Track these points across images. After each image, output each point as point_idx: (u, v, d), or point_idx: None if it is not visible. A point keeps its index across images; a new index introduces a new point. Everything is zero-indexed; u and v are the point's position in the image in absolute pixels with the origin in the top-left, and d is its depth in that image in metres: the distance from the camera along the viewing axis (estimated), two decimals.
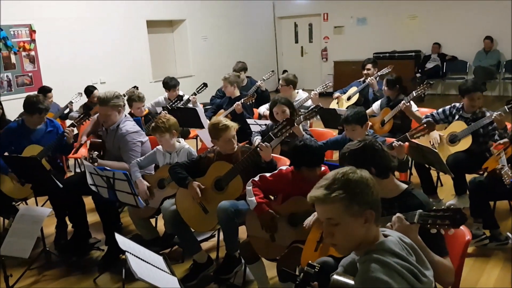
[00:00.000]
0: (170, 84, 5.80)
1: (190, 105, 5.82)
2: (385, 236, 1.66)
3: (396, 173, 3.63)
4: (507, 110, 3.76)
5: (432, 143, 4.16)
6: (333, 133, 4.36)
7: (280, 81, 5.37)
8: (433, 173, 4.43)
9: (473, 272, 3.28)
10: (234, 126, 3.24)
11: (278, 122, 3.43)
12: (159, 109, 5.46)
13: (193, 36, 10.37)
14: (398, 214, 1.91)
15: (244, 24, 11.67)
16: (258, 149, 3.11)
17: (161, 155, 3.68)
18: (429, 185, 4.31)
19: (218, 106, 5.80)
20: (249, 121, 4.81)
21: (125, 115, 3.97)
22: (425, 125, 3.30)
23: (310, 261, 1.73)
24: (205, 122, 5.23)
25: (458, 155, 3.95)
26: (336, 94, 6.15)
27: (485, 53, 9.77)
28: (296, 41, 13.00)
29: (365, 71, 5.89)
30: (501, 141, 3.62)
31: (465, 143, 3.99)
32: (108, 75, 8.52)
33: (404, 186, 2.17)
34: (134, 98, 4.90)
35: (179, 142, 3.67)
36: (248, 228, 2.95)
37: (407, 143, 3.45)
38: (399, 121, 4.80)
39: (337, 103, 6.09)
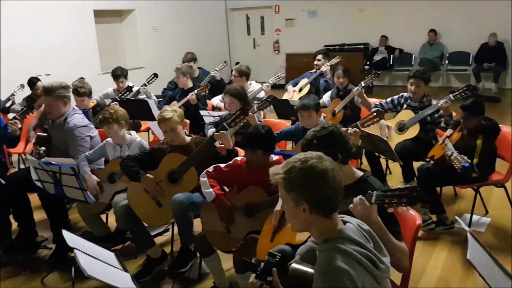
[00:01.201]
0: (117, 73, 5.61)
1: (142, 96, 5.68)
2: (344, 222, 1.68)
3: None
4: (452, 98, 3.92)
5: (381, 132, 4.28)
6: (286, 124, 4.38)
7: (233, 72, 5.34)
8: (382, 161, 4.56)
9: (423, 256, 3.40)
10: (175, 117, 3.12)
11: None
12: (108, 101, 5.27)
13: (143, 27, 10.11)
14: (360, 196, 1.91)
15: (195, 15, 11.50)
16: (212, 139, 3.07)
17: (111, 148, 3.55)
18: (379, 173, 4.43)
19: (171, 97, 5.68)
20: (202, 112, 4.75)
21: (73, 108, 3.79)
22: (374, 113, 3.39)
23: (271, 251, 1.72)
24: (157, 113, 5.11)
25: (406, 143, 4.08)
26: (289, 86, 6.19)
27: (429, 45, 10.16)
28: (249, 33, 12.97)
29: (316, 62, 5.96)
30: (446, 132, 3.77)
31: (413, 131, 4.12)
32: (53, 67, 8.13)
33: (360, 173, 2.21)
34: (77, 91, 4.70)
35: (130, 135, 3.57)
36: (203, 221, 2.91)
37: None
38: (349, 111, 4.90)
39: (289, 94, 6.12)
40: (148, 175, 3.10)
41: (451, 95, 3.94)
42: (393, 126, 4.27)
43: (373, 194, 1.86)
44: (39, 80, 6.20)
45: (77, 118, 3.69)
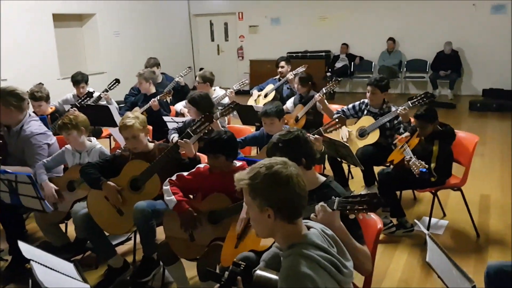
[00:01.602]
0: (78, 79, 5.47)
1: (103, 102, 5.55)
2: (308, 228, 1.69)
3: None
4: (410, 105, 4.04)
5: (342, 138, 4.37)
6: (251, 130, 4.39)
7: (197, 79, 5.31)
8: (345, 166, 4.65)
9: (384, 259, 3.48)
10: (136, 124, 3.06)
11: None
12: (67, 107, 5.12)
13: (104, 31, 9.90)
14: (321, 203, 1.93)
15: (158, 20, 11.38)
16: (176, 146, 3.03)
17: (70, 155, 3.45)
18: (341, 178, 4.51)
19: (133, 103, 5.58)
20: (165, 118, 4.70)
21: (29, 115, 3.65)
22: (336, 120, 3.45)
23: (235, 260, 1.72)
24: (118, 120, 5.02)
25: (367, 148, 4.18)
26: (254, 91, 6.22)
27: (388, 53, 10.46)
28: (212, 39, 12.95)
29: (280, 69, 6.02)
30: (403, 135, 3.89)
31: (373, 137, 4.22)
32: (10, 72, 7.81)
33: (323, 178, 2.23)
34: (33, 95, 4.54)
35: (90, 141, 3.47)
36: (166, 229, 2.87)
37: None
38: (312, 117, 4.97)
39: (255, 100, 6.16)
40: (109, 182, 3.03)
41: (409, 102, 4.06)
42: (354, 132, 4.37)
43: (335, 201, 1.89)
44: None
45: (34, 125, 3.56)
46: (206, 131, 3.10)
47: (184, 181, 2.82)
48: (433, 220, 4.00)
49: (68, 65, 9.20)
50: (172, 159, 3.03)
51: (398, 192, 4.11)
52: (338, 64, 10.86)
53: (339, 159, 4.35)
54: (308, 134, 3.52)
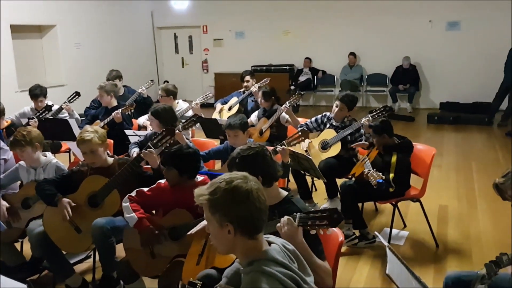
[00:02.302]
0: (36, 92, 5.31)
1: (64, 115, 5.41)
2: (269, 243, 1.68)
3: None
4: (371, 118, 4.14)
5: (305, 149, 4.41)
6: (214, 143, 4.37)
7: (160, 92, 5.26)
8: (308, 178, 4.69)
9: (346, 271, 3.51)
10: (95, 139, 2.99)
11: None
12: (24, 121, 4.96)
13: (64, 43, 9.66)
14: (287, 217, 1.94)
15: (122, 32, 11.23)
16: (138, 159, 2.98)
17: (25, 171, 3.32)
18: (305, 190, 4.55)
19: (93, 117, 5.45)
20: (127, 132, 4.62)
21: None
22: (300, 133, 3.48)
23: (191, 279, 1.69)
24: (78, 133, 4.90)
25: (329, 160, 4.24)
26: (218, 104, 6.22)
27: (349, 67, 10.70)
28: (177, 52, 12.88)
29: (245, 83, 6.06)
30: (360, 143, 4.00)
31: (335, 149, 4.28)
32: None
33: (285, 193, 2.24)
34: None
35: (45, 156, 3.36)
36: (126, 246, 2.80)
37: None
38: (275, 130, 5.02)
39: (219, 113, 6.16)
40: (64, 198, 2.93)
41: (369, 115, 4.16)
42: (316, 145, 4.42)
43: (297, 216, 1.89)
44: None
45: None
46: (168, 144, 3.06)
47: (144, 197, 2.77)
48: (394, 231, 4.08)
49: (26, 77, 8.92)
50: (133, 173, 2.97)
51: (360, 204, 4.17)
52: (302, 78, 11.01)
53: (303, 172, 4.39)
54: (272, 148, 3.58)
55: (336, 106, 4.34)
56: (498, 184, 2.03)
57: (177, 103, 5.29)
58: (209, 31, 12.15)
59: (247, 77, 6.03)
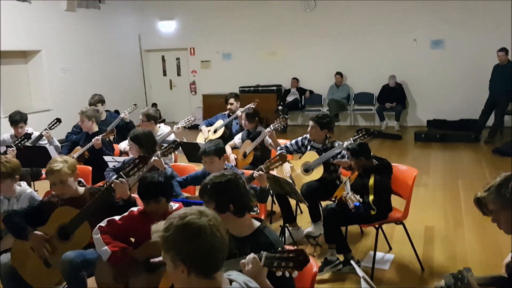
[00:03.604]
0: (16, 118, 5.23)
1: (44, 142, 5.33)
2: (230, 281, 1.60)
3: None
4: (352, 141, 4.08)
5: (285, 174, 4.35)
6: (195, 168, 4.30)
7: (140, 117, 5.20)
8: (293, 201, 4.61)
9: None
10: (64, 169, 2.89)
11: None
12: (3, 149, 4.87)
13: (50, 68, 9.63)
14: (253, 255, 1.87)
15: (109, 55, 11.24)
16: (110, 189, 2.90)
17: None
18: (289, 214, 4.46)
19: (74, 142, 5.38)
20: (106, 158, 4.53)
21: None
22: (278, 157, 3.42)
23: None
24: None
25: (311, 183, 4.17)
26: (203, 127, 6.18)
27: (336, 87, 10.73)
28: (165, 74, 12.89)
29: (229, 105, 6.02)
30: (341, 160, 3.95)
31: (317, 173, 4.22)
32: None
33: (257, 224, 2.17)
34: None
35: (20, 186, 3.27)
36: (98, 280, 2.69)
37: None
38: (259, 152, 4.96)
39: (205, 137, 6.10)
40: (36, 232, 2.84)
41: (351, 138, 4.13)
42: (299, 168, 4.36)
43: (263, 256, 1.82)
44: None
45: None
46: (141, 172, 2.99)
47: (116, 227, 2.68)
48: (379, 254, 4.00)
49: (11, 102, 8.84)
50: (105, 203, 2.88)
51: (344, 228, 4.10)
52: (290, 98, 11.02)
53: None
54: (251, 171, 3.51)
55: (310, 126, 4.31)
56: (480, 198, 1.96)
57: (159, 127, 5.23)
58: (196, 53, 12.19)
59: (231, 100, 6.00)
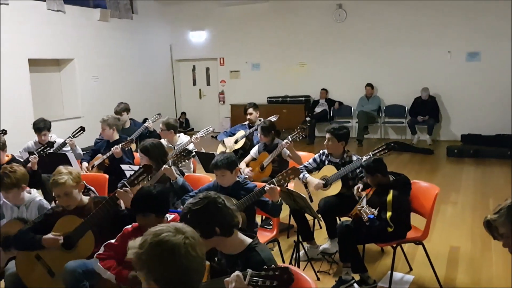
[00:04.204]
0: (39, 126, 5.33)
1: (67, 149, 5.41)
2: None
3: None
4: (372, 156, 3.92)
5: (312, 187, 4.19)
6: (209, 178, 4.23)
7: (160, 126, 5.21)
8: (311, 217, 4.47)
9: None
10: (69, 181, 2.87)
11: None
12: (26, 155, 4.97)
13: (82, 76, 9.87)
14: (237, 273, 1.79)
15: (140, 64, 11.43)
16: (114, 198, 2.87)
17: (9, 209, 3.26)
18: (305, 230, 4.31)
19: (95, 150, 5.44)
20: (123, 166, 4.53)
21: None
22: (290, 171, 3.31)
23: None
24: (77, 167, 4.87)
25: (329, 199, 4.03)
26: (223, 138, 6.13)
27: (366, 98, 10.49)
28: (194, 84, 13.01)
29: (248, 116, 5.96)
30: (359, 186, 3.80)
31: (335, 188, 4.08)
32: None
33: (249, 241, 2.07)
34: None
35: (29, 193, 3.29)
36: None
37: (278, 187, 3.43)
38: (277, 165, 4.85)
39: (225, 146, 6.06)
40: (47, 235, 2.83)
41: (371, 153, 3.97)
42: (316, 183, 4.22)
43: (247, 274, 1.73)
44: None
45: None
46: (145, 182, 2.95)
47: (114, 249, 2.65)
48: (398, 275, 3.82)
49: (43, 109, 9.10)
50: (109, 213, 2.85)
51: (361, 246, 3.93)
52: (318, 109, 10.87)
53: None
54: (263, 184, 3.41)
55: (326, 139, 4.17)
56: (490, 220, 1.80)
57: (178, 136, 5.22)
58: (226, 63, 12.24)
59: (250, 110, 5.93)
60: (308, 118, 10.56)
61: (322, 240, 4.50)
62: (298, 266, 3.78)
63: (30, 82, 8.73)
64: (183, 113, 12.68)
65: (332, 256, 4.14)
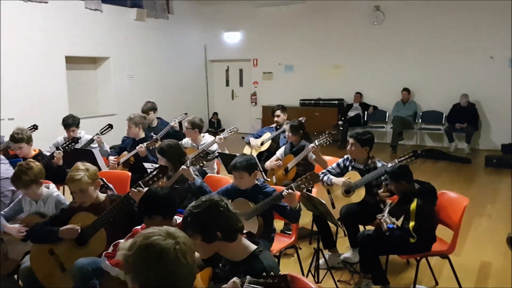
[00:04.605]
0: (68, 122, 5.43)
1: (94, 145, 5.49)
2: None
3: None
4: (397, 163, 3.75)
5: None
6: (229, 180, 4.17)
7: (186, 124, 5.20)
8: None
9: None
10: (85, 178, 2.87)
11: None
12: (53, 150, 5.06)
13: (117, 74, 10.05)
14: (234, 279, 1.74)
15: (174, 64, 11.54)
16: (128, 197, 2.85)
17: (28, 203, 3.31)
18: (328, 237, 4.17)
19: (121, 148, 5.49)
20: (146, 165, 4.53)
21: None
22: (309, 176, 3.20)
23: None
24: (102, 164, 4.92)
25: (351, 206, 3.88)
26: (251, 139, 6.07)
27: (402, 103, 10.18)
28: (227, 84, 13.03)
29: (276, 118, 5.87)
30: (380, 191, 3.64)
31: (359, 195, 3.92)
32: (18, 111, 7.92)
33: (253, 247, 1.98)
34: (13, 137, 4.47)
35: (47, 188, 3.32)
36: None
37: (298, 192, 3.32)
38: (302, 168, 4.73)
39: (251, 148, 6.00)
40: (65, 227, 2.84)
41: (396, 160, 3.80)
42: (339, 188, 4.08)
43: (245, 280, 1.64)
44: None
45: (1, 169, 3.46)
46: (160, 183, 2.91)
47: None
48: None
49: (79, 106, 9.33)
50: (123, 211, 2.83)
51: (385, 256, 3.76)
52: (351, 113, 10.63)
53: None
54: (282, 188, 3.31)
55: (349, 144, 4.02)
56: None
57: (203, 136, 5.20)
58: (259, 64, 12.19)
59: (278, 112, 5.84)
60: (340, 122, 10.34)
61: (345, 248, 4.34)
62: (318, 275, 3.65)
63: (67, 79, 8.95)
64: (215, 114, 12.72)
65: (354, 266, 3.99)
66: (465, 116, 9.36)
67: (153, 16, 10.76)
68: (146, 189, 2.84)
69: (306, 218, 4.58)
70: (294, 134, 4.83)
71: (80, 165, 2.97)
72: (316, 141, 4.53)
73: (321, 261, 3.83)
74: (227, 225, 1.92)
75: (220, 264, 2.06)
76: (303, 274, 3.71)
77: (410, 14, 10.08)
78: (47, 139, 5.79)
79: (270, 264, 1.90)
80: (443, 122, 9.96)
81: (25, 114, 7.85)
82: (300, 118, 5.67)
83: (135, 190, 2.84)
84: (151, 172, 2.98)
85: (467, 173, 7.76)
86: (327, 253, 4.13)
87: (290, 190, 3.18)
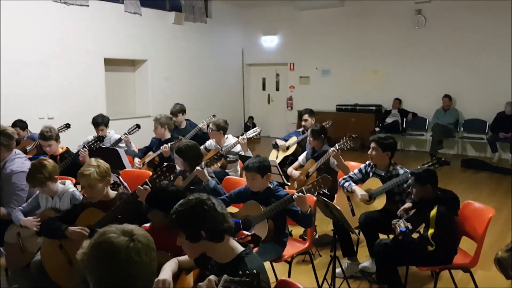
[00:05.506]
0: (97, 121, 5.57)
1: (122, 144, 5.60)
2: None
3: None
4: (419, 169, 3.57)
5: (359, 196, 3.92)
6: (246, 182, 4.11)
7: (210, 126, 5.21)
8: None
9: None
10: (94, 174, 2.91)
11: None
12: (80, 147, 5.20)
13: (154, 77, 10.25)
14: (211, 277, 1.69)
15: (211, 67, 11.65)
16: (134, 195, 2.86)
17: (44, 199, 3.39)
18: (347, 244, 4.03)
19: (148, 148, 5.57)
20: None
21: (15, 153, 3.67)
22: (320, 180, 3.10)
23: None
24: (127, 163, 5.00)
25: (371, 214, 3.72)
26: (281, 142, 6.01)
27: (443, 111, 9.78)
28: (264, 88, 13.01)
29: (303, 122, 5.78)
30: (406, 206, 3.43)
31: (380, 203, 3.76)
32: (57, 110, 8.24)
33: (240, 249, 1.92)
34: (43, 135, 4.61)
35: (63, 184, 3.39)
36: None
37: (310, 196, 3.23)
38: (323, 173, 4.56)
39: (277, 152, 5.94)
40: (74, 227, 2.88)
41: (419, 167, 3.61)
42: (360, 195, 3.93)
43: (222, 279, 1.58)
44: None
45: (17, 163, 3.56)
46: (166, 181, 2.90)
47: None
48: None
49: (117, 106, 9.58)
50: (130, 209, 2.83)
51: (404, 267, 3.58)
52: (389, 119, 10.33)
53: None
54: (293, 191, 3.22)
55: (370, 148, 3.86)
56: (500, 259, 1.51)
57: (226, 138, 5.19)
58: (295, 68, 12.10)
59: (305, 116, 5.76)
60: (377, 129, 10.06)
61: (362, 257, 4.18)
62: (334, 284, 3.52)
63: (105, 80, 9.21)
64: (251, 117, 12.72)
65: (372, 275, 3.83)
66: (510, 126, 8.86)
67: (191, 20, 10.91)
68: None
69: (330, 225, 4.46)
70: (316, 139, 4.72)
71: (93, 161, 3.02)
72: (336, 145, 4.40)
73: (339, 270, 3.70)
74: (212, 224, 1.87)
75: (210, 266, 2.01)
76: (317, 282, 3.60)
77: (453, 17, 9.69)
78: (84, 139, 5.94)
79: (258, 267, 1.83)
80: (486, 131, 9.49)
81: (64, 113, 8.12)
82: (325, 123, 5.55)
83: (141, 187, 2.85)
84: (158, 170, 2.98)
85: (508, 185, 7.32)
86: (346, 261, 4.00)
87: (300, 194, 3.09)
